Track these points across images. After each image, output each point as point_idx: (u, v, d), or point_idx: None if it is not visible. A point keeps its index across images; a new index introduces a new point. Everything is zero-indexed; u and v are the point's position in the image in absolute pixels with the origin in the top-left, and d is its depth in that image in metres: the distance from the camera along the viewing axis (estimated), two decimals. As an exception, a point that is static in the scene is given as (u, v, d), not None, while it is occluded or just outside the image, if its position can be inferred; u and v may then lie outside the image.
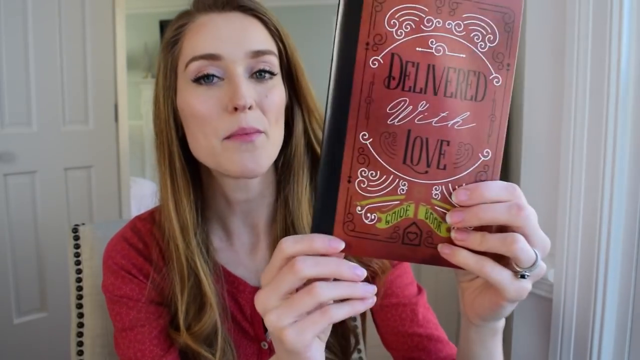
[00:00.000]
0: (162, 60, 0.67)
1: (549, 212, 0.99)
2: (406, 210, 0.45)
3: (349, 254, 0.45)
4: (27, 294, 2.19)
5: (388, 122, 0.44)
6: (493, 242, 0.43)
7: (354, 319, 0.81)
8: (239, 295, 0.73)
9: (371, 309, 0.76)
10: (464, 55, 0.44)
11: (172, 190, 0.67)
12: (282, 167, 0.72)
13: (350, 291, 0.44)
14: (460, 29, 0.43)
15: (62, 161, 2.31)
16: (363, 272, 0.44)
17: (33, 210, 2.22)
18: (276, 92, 0.64)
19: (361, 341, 1.09)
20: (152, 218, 0.74)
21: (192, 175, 0.69)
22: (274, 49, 0.66)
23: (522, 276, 0.44)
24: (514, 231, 0.43)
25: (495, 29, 0.44)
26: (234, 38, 0.62)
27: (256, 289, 0.73)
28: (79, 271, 0.97)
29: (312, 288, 0.43)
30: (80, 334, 0.96)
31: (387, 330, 0.77)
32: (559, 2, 0.95)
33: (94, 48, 2.37)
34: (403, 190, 0.45)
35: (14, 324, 2.15)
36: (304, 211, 0.71)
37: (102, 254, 0.75)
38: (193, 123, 0.63)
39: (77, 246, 0.98)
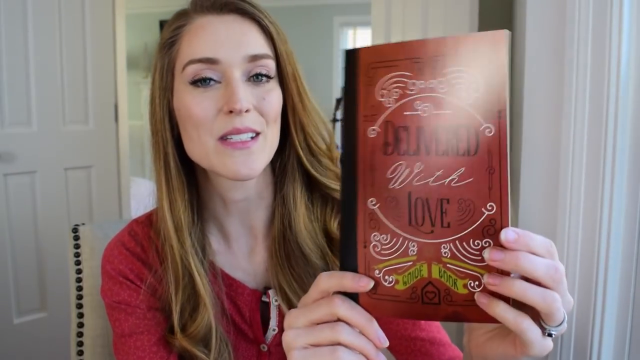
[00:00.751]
0: (158, 61, 0.67)
1: (549, 212, 0.99)
2: (420, 270, 0.46)
3: (374, 315, 0.47)
4: (27, 294, 2.19)
5: (389, 186, 0.46)
6: (533, 294, 0.41)
7: None
8: (238, 297, 0.73)
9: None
10: (450, 111, 0.43)
11: (166, 190, 0.67)
12: (279, 168, 0.72)
13: (366, 349, 0.46)
14: (443, 86, 0.43)
15: (62, 161, 2.31)
16: (385, 342, 0.47)
17: (33, 210, 2.22)
18: (274, 95, 0.65)
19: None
20: (149, 221, 0.74)
21: (188, 176, 0.69)
22: (271, 52, 0.66)
23: (549, 334, 0.44)
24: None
25: (479, 76, 0.42)
26: (232, 42, 0.63)
27: (254, 291, 0.73)
28: (79, 271, 0.97)
29: (337, 325, 0.46)
30: (80, 334, 0.96)
31: (390, 335, 0.76)
32: (559, 2, 0.95)
33: (94, 48, 2.37)
34: (414, 252, 0.46)
35: (14, 324, 2.15)
36: (301, 213, 0.71)
37: (101, 256, 0.75)
38: (188, 124, 0.64)
39: (77, 246, 0.98)
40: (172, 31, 0.66)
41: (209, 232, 0.73)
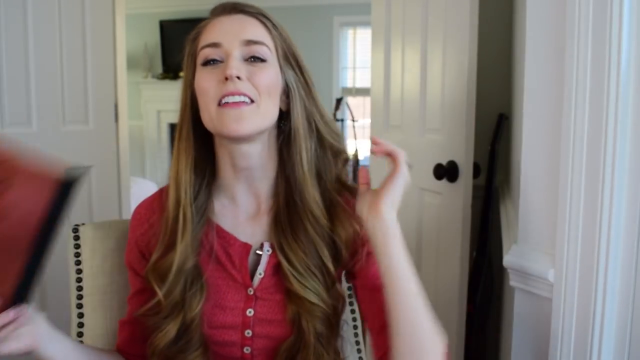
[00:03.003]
0: (187, 51, 0.85)
1: (549, 212, 0.99)
2: None
3: None
4: (27, 294, 2.19)
5: None
6: (393, 149, 0.74)
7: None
8: (230, 247, 0.85)
9: (356, 294, 0.89)
10: None
11: (177, 150, 0.83)
12: (282, 145, 0.84)
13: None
14: None
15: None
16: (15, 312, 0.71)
17: (33, 210, 2.21)
18: (266, 72, 0.80)
19: (362, 342, 1.09)
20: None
21: (205, 147, 0.84)
22: (269, 42, 0.81)
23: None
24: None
25: None
26: (233, 31, 0.80)
27: (244, 243, 0.85)
28: (79, 271, 0.98)
29: None
30: (80, 334, 0.96)
31: (366, 293, 0.85)
32: (559, 2, 0.95)
33: (94, 48, 2.36)
34: None
35: (14, 324, 2.15)
36: (308, 186, 0.82)
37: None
38: (199, 95, 0.80)
39: (77, 246, 0.98)
40: (196, 29, 0.85)
41: (216, 197, 0.87)
